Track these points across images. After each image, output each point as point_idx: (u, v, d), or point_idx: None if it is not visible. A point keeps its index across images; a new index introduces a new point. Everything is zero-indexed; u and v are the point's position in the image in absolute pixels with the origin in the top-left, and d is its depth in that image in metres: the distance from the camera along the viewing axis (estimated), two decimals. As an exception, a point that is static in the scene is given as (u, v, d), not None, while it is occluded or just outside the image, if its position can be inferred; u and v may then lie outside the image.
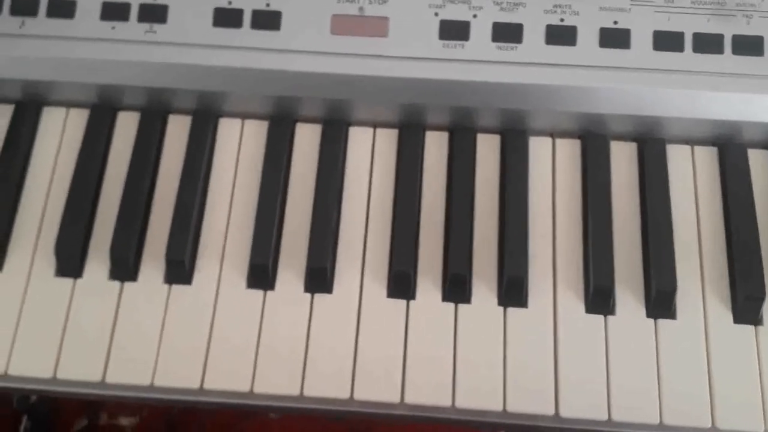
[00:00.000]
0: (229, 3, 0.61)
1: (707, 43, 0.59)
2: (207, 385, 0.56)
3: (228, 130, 0.63)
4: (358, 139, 0.63)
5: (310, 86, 0.61)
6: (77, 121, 0.64)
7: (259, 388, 0.56)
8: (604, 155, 0.61)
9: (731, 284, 0.58)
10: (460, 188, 0.60)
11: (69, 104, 0.64)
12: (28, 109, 0.64)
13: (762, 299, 0.56)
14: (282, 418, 1.07)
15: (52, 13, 0.61)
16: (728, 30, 0.60)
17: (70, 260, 0.59)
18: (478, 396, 0.55)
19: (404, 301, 0.58)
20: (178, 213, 0.59)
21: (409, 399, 0.55)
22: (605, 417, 0.54)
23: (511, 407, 0.55)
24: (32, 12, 0.61)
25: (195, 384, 0.56)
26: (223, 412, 1.07)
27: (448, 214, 0.60)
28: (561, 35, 0.60)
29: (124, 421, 1.09)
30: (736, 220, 0.59)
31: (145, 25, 0.61)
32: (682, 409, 0.54)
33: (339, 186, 0.61)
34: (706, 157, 0.62)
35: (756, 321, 0.57)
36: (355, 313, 0.57)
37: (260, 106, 0.63)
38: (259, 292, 0.58)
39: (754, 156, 0.62)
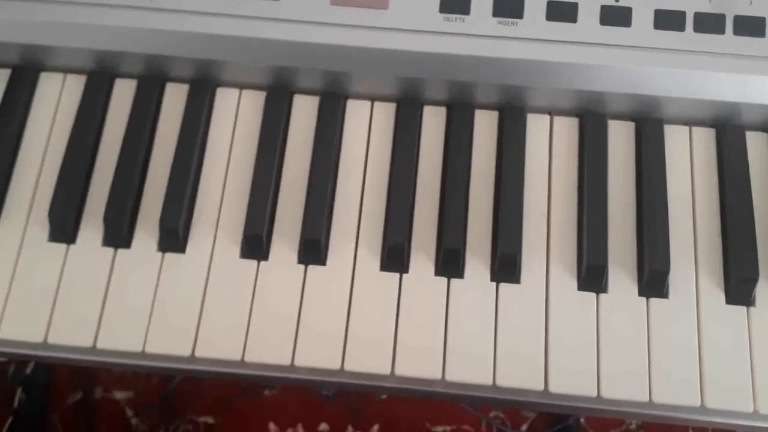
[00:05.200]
0: (229, -29, 0.61)
1: (708, 23, 0.59)
2: (198, 353, 0.56)
3: (225, 100, 0.63)
4: (356, 112, 0.63)
5: (308, 57, 0.60)
6: (74, 87, 0.63)
7: (250, 357, 0.56)
8: (602, 134, 0.61)
9: (725, 265, 0.58)
10: (457, 163, 0.60)
11: (66, 70, 0.64)
12: (25, 73, 0.63)
13: (754, 280, 0.56)
14: (277, 394, 1.08)
15: (50, -23, 0.61)
16: (730, 10, 0.59)
17: (63, 226, 0.59)
18: (468, 370, 0.55)
19: (397, 275, 0.58)
20: (173, 181, 0.59)
21: (400, 371, 0.55)
22: (594, 393, 0.54)
23: (501, 382, 0.55)
24: (31, -24, 0.61)
25: (186, 352, 0.56)
26: (219, 387, 1.08)
27: (444, 189, 0.60)
28: (562, 12, 0.60)
29: (119, 395, 1.10)
30: (731, 202, 0.59)
31: (144, -9, 0.60)
32: (672, 388, 0.54)
33: (335, 158, 0.61)
34: (704, 138, 0.62)
35: (748, 302, 0.57)
36: (348, 285, 0.57)
37: (258, 77, 0.62)
38: (253, 263, 0.58)
39: (752, 138, 0.62)
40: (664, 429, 1.01)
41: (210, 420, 1.08)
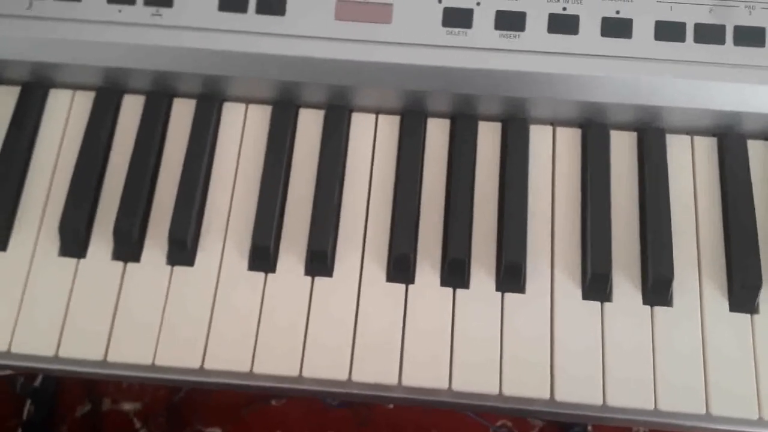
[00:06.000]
0: (235, -13, 0.62)
1: (709, 34, 0.60)
2: (207, 365, 0.56)
3: (232, 115, 0.64)
4: (361, 125, 0.64)
5: (313, 71, 0.61)
6: (83, 103, 0.64)
7: (258, 369, 0.56)
8: (604, 144, 0.62)
9: (728, 273, 0.58)
10: (461, 175, 0.61)
11: (75, 86, 0.65)
12: (35, 90, 0.64)
13: (758, 288, 0.57)
14: (283, 404, 1.08)
15: (59, -5, 0.62)
16: (730, 21, 0.60)
17: (73, 240, 0.59)
18: (475, 379, 0.56)
19: (403, 285, 0.58)
20: (182, 194, 0.60)
21: (407, 381, 0.56)
22: (600, 401, 0.55)
23: (507, 391, 0.55)
24: (40, -6, 0.62)
25: (196, 364, 0.56)
26: (225, 398, 1.08)
27: (449, 200, 0.61)
28: (563, 24, 0.60)
29: (127, 406, 1.10)
30: (733, 210, 0.59)
31: (152, 9, 0.61)
32: (677, 395, 0.55)
33: (341, 171, 0.62)
34: (706, 148, 0.62)
35: (752, 309, 0.57)
36: (355, 296, 0.58)
37: (264, 91, 0.63)
38: (261, 275, 0.59)
39: (754, 147, 0.62)
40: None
41: (217, 430, 1.08)
